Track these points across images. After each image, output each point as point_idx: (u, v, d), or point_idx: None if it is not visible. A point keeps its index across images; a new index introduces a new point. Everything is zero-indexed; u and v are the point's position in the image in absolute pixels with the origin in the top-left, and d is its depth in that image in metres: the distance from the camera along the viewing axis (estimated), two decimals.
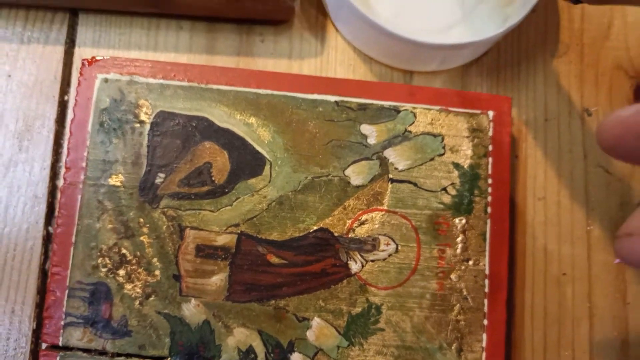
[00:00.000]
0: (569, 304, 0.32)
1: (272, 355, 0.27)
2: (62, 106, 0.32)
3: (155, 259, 0.27)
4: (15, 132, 0.31)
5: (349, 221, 0.28)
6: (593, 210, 0.32)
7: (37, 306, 0.30)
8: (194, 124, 0.28)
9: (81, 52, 0.33)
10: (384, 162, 0.28)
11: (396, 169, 0.28)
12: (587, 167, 0.32)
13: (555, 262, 0.32)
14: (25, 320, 0.30)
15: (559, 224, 0.32)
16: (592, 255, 0.32)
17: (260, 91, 0.29)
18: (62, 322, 0.27)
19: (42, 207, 0.31)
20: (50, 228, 0.31)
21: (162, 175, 0.28)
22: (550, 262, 0.32)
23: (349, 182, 0.28)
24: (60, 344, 0.27)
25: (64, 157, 0.31)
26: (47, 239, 0.31)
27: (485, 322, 0.28)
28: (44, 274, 0.30)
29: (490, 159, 0.29)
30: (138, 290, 0.27)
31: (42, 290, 0.30)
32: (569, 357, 0.31)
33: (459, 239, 0.28)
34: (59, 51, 0.32)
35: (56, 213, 0.28)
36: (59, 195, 0.29)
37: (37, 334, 0.30)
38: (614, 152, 0.19)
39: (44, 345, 0.27)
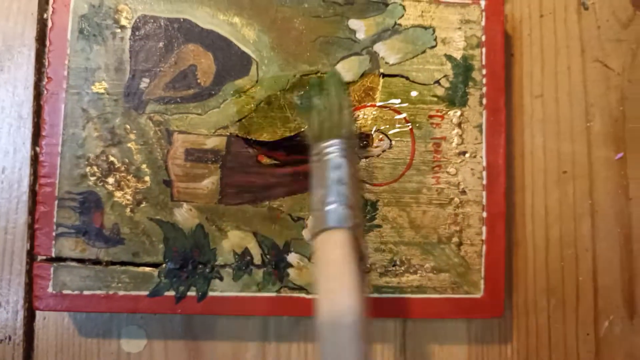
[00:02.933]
0: (570, 202, 0.31)
1: (268, 256, 0.27)
2: (42, 24, 0.31)
3: (144, 165, 0.27)
4: None
5: None
6: (592, 106, 0.31)
7: (30, 227, 0.29)
8: (176, 26, 0.27)
9: None
10: (374, 57, 0.28)
11: (387, 63, 0.28)
12: (585, 62, 0.31)
13: (555, 160, 0.31)
14: (19, 239, 0.29)
15: (557, 121, 0.31)
16: (593, 152, 0.31)
17: None
18: (54, 233, 0.27)
19: (28, 128, 0.30)
20: (37, 148, 0.30)
21: (146, 80, 0.27)
22: (550, 161, 0.31)
23: None
24: (53, 255, 0.27)
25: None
26: (35, 160, 0.30)
27: (484, 214, 0.27)
28: (34, 195, 0.30)
29: (483, 49, 0.28)
30: (128, 197, 0.27)
31: (34, 211, 0.30)
32: (571, 256, 0.31)
33: (454, 132, 0.27)
34: None
35: (41, 124, 0.27)
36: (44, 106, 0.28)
37: (32, 253, 0.29)
38: None
39: (39, 259, 0.27)
